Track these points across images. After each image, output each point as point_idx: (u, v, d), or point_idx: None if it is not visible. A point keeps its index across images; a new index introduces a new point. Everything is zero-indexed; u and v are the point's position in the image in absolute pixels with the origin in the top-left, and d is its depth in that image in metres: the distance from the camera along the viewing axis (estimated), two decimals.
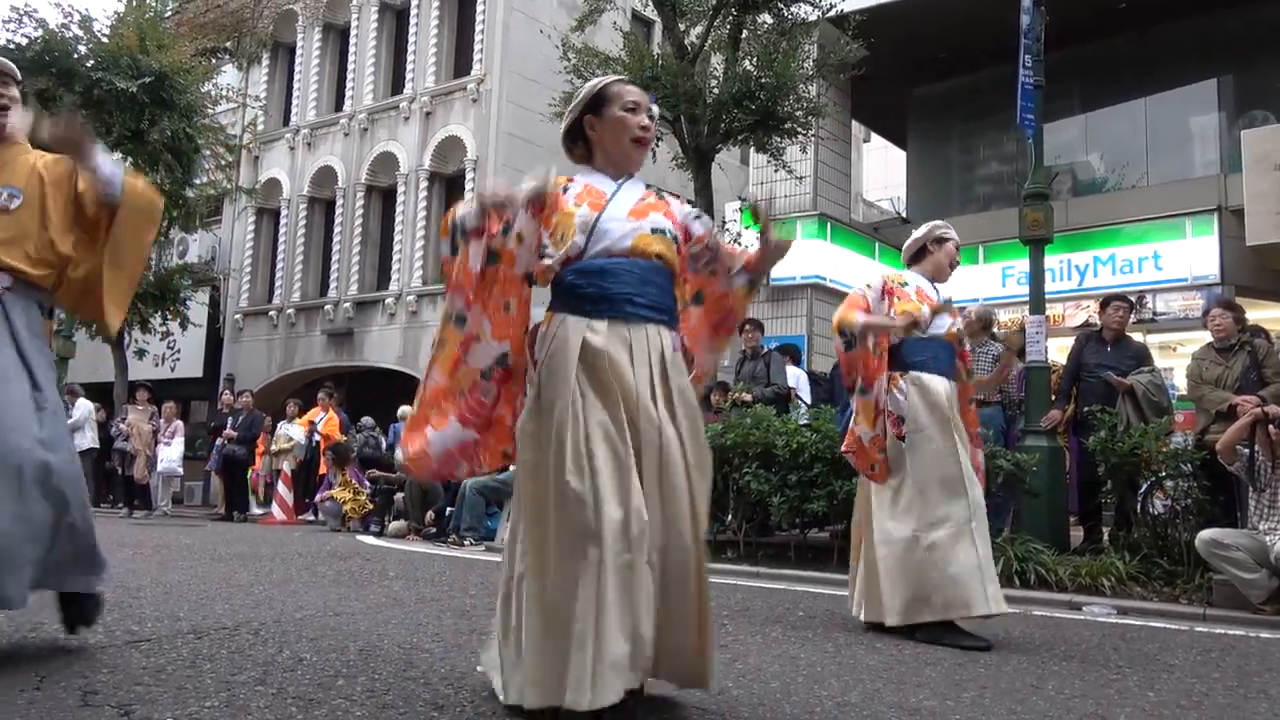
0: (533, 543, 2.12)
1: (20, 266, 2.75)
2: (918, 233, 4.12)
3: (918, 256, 4.07)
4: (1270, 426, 4.71)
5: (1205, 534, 4.76)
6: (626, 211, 2.23)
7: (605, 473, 2.00)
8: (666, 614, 2.06)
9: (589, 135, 2.32)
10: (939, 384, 3.77)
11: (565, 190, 2.26)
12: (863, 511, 3.97)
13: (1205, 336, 6.23)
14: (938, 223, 4.13)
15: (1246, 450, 4.81)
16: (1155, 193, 12.72)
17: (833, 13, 10.45)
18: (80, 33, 13.57)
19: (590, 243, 2.18)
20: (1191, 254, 11.98)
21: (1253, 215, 10.46)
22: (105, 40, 13.58)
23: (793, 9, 10.30)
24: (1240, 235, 10.91)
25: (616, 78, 2.37)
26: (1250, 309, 7.06)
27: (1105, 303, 6.89)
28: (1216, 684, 3.05)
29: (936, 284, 4.00)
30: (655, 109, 2.37)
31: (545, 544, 2.07)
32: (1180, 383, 8.33)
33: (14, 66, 2.96)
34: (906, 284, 3.93)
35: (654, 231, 2.23)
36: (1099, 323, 6.99)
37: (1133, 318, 7.55)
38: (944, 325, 3.88)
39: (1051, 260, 10.93)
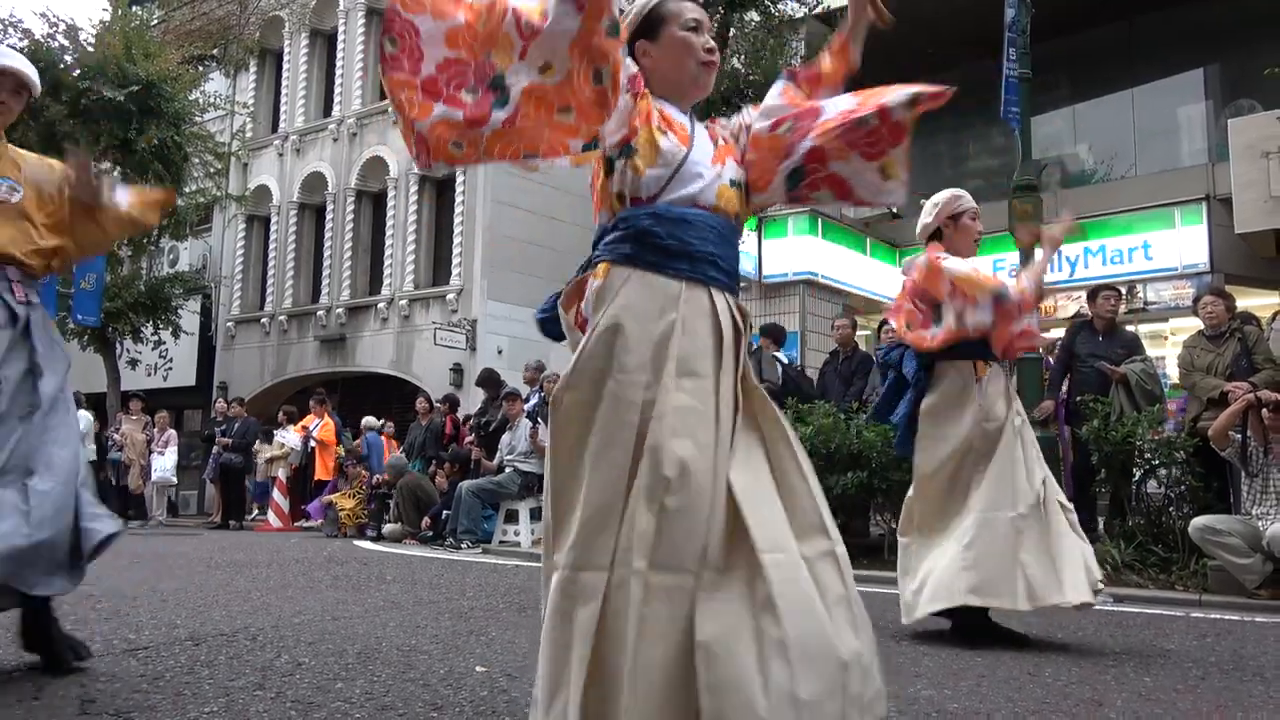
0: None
1: (27, 260, 2.86)
2: (927, 214, 3.74)
3: (937, 236, 3.72)
4: (1263, 411, 4.73)
5: (1198, 520, 4.79)
6: (710, 156, 1.86)
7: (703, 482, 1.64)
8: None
9: (643, 64, 1.87)
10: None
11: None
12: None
13: (1196, 324, 6.26)
14: (946, 196, 3.72)
15: (1239, 436, 4.83)
16: (1144, 183, 12.77)
17: (819, 9, 10.49)
18: (66, 42, 13.53)
19: (670, 185, 1.79)
20: (1181, 243, 12.03)
21: (1241, 203, 10.51)
22: (91, 49, 13.53)
23: (780, 6, 10.34)
24: (1229, 223, 10.95)
25: None
26: (1240, 296, 7.08)
27: (1094, 293, 6.92)
28: (1212, 668, 3.06)
29: None
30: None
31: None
32: (1172, 371, 8.36)
33: (33, 79, 2.98)
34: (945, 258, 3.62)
35: (732, 184, 1.88)
36: (1089, 313, 7.02)
37: (1123, 307, 7.58)
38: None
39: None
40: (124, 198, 3.01)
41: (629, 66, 1.73)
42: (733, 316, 1.80)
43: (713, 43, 1.92)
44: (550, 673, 1.60)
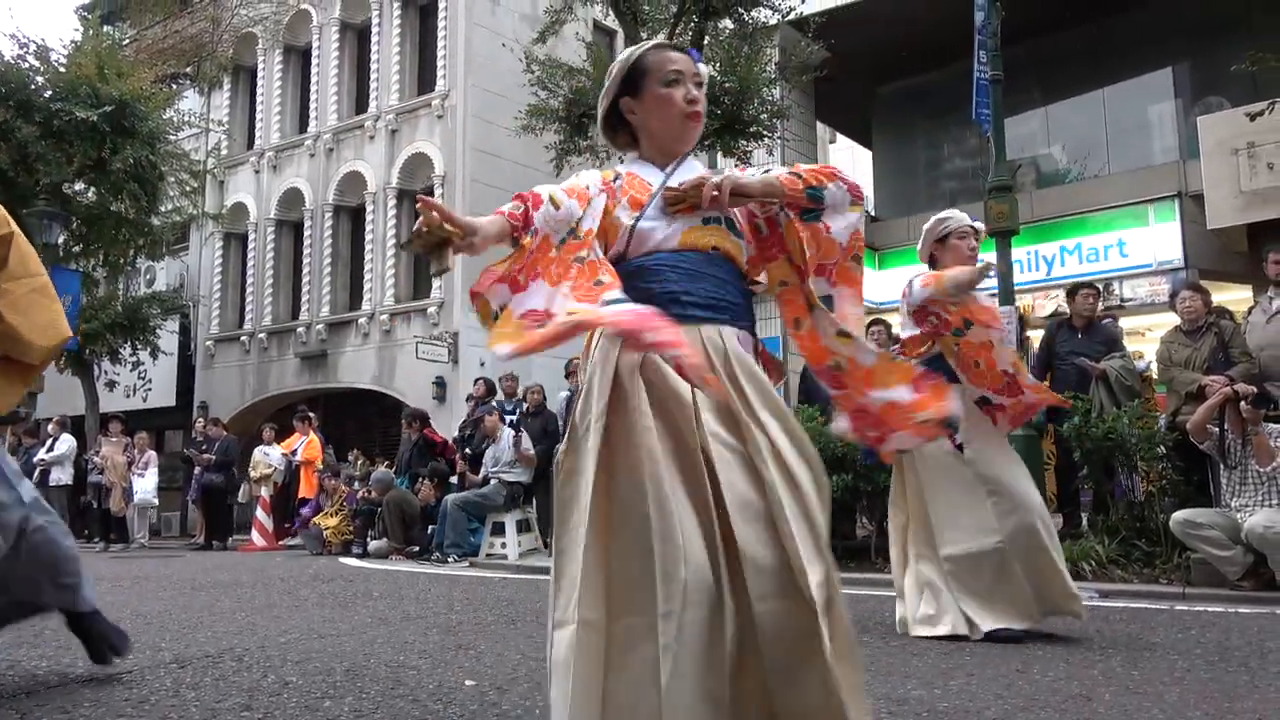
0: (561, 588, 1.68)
1: None
2: (924, 235, 3.85)
3: (932, 263, 3.83)
4: (1241, 404, 4.77)
5: (1179, 514, 4.83)
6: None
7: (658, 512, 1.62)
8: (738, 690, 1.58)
9: (631, 121, 1.92)
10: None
11: (615, 181, 1.88)
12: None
13: (1173, 320, 6.32)
14: (929, 224, 3.84)
15: (1217, 429, 4.88)
16: (1117, 181, 12.92)
17: (792, 16, 10.55)
18: (37, 63, 13.40)
19: (630, 246, 1.81)
20: (1155, 240, 12.17)
21: (1212, 199, 10.65)
22: (63, 70, 13.42)
23: (753, 13, 10.39)
24: (1201, 220, 11.09)
25: (653, 43, 1.93)
26: (1214, 291, 7.17)
27: (1073, 291, 6.98)
28: (1198, 660, 3.09)
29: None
30: (704, 69, 1.95)
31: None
32: (1150, 366, 8.45)
33: None
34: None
35: (706, 222, 1.84)
36: (1069, 311, 7.08)
37: (1100, 304, 7.66)
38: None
39: (1019, 252, 11.05)
40: None
41: (592, 190, 1.81)
42: (717, 341, 1.75)
43: (696, 92, 1.88)
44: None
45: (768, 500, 1.62)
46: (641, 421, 1.66)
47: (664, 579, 1.54)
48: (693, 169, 1.92)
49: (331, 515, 10.54)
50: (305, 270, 17.01)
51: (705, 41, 10.31)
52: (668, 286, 1.76)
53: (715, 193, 1.77)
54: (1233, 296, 10.91)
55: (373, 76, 16.53)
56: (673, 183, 1.85)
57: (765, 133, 10.46)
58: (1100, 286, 8.77)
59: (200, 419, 14.45)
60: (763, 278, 1.96)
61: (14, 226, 2.67)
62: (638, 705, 1.52)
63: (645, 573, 1.57)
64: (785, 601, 1.56)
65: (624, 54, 1.93)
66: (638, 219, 1.81)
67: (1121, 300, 12.28)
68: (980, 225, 3.88)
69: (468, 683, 2.87)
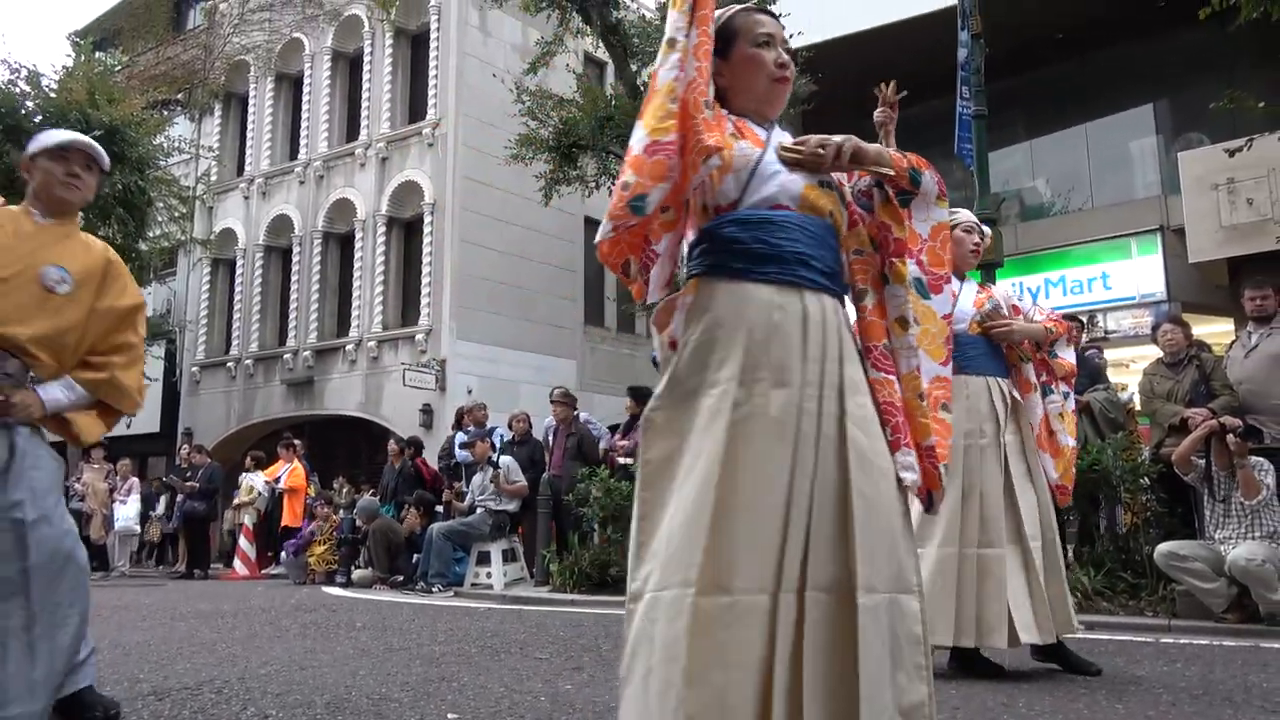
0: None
1: (49, 362, 2.53)
2: None
3: None
4: (1228, 437, 4.78)
5: (1163, 546, 4.84)
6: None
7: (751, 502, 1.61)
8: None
9: (718, 84, 1.84)
10: (960, 383, 3.40)
11: (728, 116, 1.83)
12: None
13: (1157, 352, 6.38)
14: (949, 213, 3.87)
15: (1201, 461, 4.91)
16: (1100, 215, 13.07)
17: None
18: (28, 88, 13.43)
19: (750, 188, 1.73)
20: (1138, 273, 12.30)
21: (1193, 233, 10.78)
22: (53, 95, 13.44)
23: None
24: (1183, 253, 11.22)
25: (741, 6, 1.89)
26: (1195, 324, 7.25)
27: None
28: (1182, 693, 3.09)
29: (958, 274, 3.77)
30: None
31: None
32: (1133, 398, 8.50)
33: (102, 153, 2.79)
34: None
35: (823, 185, 1.78)
36: None
37: (1084, 337, 7.72)
38: (967, 318, 3.56)
39: (1003, 284, 11.15)
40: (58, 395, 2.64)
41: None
42: (824, 319, 1.70)
43: (785, 56, 1.86)
44: (637, 708, 1.54)
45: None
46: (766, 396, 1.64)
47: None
48: (783, 138, 1.87)
49: (320, 543, 10.44)
50: (293, 297, 16.99)
51: None
52: (798, 248, 1.71)
53: (835, 157, 1.76)
54: (1215, 329, 11.02)
55: (364, 105, 16.63)
56: (779, 140, 1.84)
57: None
58: (1084, 319, 8.86)
59: (185, 446, 14.34)
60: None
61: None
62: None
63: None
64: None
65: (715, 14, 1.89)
66: (761, 155, 1.75)
67: (1105, 332, 12.38)
68: (986, 229, 3.87)
69: (450, 716, 2.84)
